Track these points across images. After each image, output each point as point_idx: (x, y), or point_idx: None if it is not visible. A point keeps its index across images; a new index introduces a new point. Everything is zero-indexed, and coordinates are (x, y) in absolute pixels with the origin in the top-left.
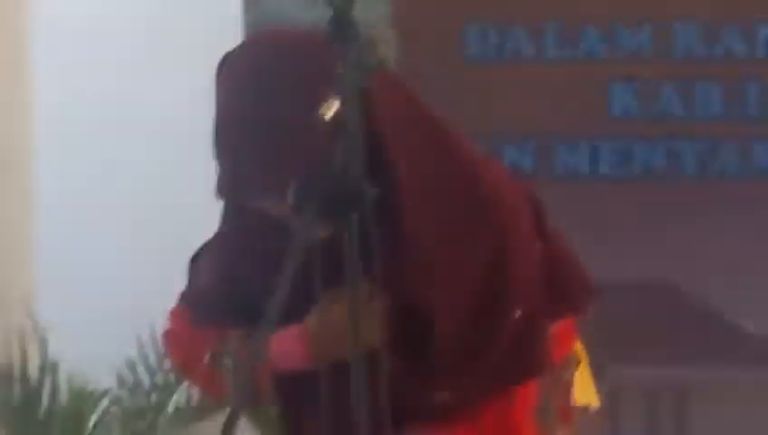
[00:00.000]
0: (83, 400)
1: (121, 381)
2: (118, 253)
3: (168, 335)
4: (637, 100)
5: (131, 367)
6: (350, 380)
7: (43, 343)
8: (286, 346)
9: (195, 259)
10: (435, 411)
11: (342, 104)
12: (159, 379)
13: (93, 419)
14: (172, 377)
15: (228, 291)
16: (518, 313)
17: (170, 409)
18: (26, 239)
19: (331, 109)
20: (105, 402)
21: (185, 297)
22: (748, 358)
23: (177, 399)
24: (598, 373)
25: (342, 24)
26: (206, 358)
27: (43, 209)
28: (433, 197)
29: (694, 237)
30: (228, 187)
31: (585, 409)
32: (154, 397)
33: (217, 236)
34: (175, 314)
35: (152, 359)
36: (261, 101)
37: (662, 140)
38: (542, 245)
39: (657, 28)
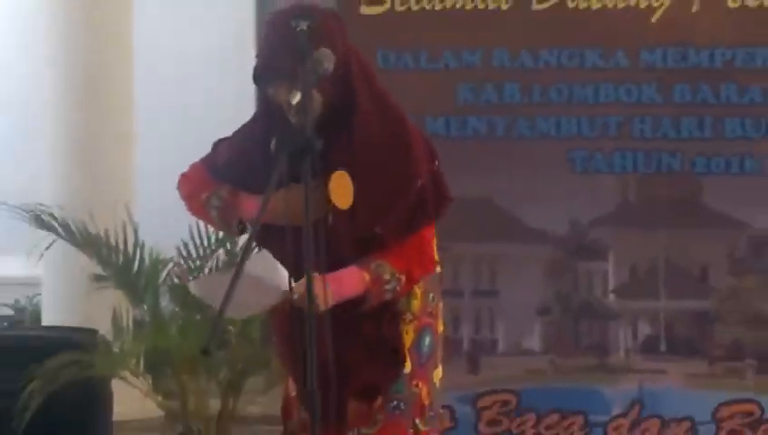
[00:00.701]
0: (158, 264)
1: (179, 253)
2: None
3: (183, 176)
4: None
5: (185, 245)
6: (303, 235)
7: (136, 232)
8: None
9: (221, 140)
10: (374, 242)
11: (302, 95)
12: (201, 251)
13: (163, 274)
14: (209, 250)
15: (233, 163)
16: (419, 182)
17: (210, 264)
18: (129, 173)
19: (295, 97)
20: (170, 265)
21: (203, 159)
22: (526, 240)
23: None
24: (441, 247)
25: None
26: (204, 196)
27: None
28: (378, 126)
29: (502, 172)
30: (256, 71)
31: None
32: (198, 262)
33: (241, 127)
34: (193, 166)
35: (197, 240)
36: (279, 34)
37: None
38: (431, 165)
39: None
